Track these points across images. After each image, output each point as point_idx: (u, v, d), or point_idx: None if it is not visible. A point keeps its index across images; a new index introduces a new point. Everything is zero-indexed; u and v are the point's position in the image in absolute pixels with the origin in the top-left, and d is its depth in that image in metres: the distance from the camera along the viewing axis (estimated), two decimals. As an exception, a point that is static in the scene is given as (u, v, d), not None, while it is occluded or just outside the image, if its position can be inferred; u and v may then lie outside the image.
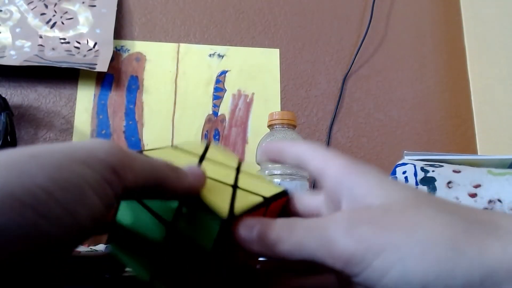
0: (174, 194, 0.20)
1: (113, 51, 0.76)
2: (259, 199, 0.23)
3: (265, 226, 0.20)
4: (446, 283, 0.15)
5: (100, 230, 0.21)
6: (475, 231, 0.16)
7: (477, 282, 0.15)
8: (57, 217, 0.14)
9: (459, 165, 0.47)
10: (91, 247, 0.51)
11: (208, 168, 0.23)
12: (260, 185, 0.25)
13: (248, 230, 0.20)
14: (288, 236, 0.19)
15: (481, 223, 0.17)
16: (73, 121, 0.74)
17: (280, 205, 0.26)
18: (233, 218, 0.20)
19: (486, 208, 0.41)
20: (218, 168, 0.25)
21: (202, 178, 0.21)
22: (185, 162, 0.22)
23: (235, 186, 0.23)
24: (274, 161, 0.26)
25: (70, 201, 0.15)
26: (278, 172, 0.56)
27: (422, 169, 0.47)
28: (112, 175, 0.17)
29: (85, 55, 0.74)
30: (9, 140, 0.60)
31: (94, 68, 0.71)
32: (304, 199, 0.26)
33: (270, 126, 0.61)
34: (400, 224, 0.17)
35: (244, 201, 0.22)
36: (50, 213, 0.14)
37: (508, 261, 0.15)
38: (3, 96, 0.63)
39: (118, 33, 0.79)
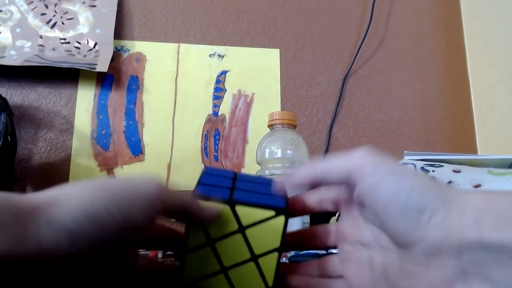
0: (195, 219, 0.26)
1: (113, 51, 0.76)
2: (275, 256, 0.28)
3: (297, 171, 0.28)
4: (419, 198, 0.23)
5: (143, 234, 0.28)
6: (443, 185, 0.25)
7: (439, 204, 0.22)
8: (112, 227, 0.22)
9: (459, 165, 0.47)
10: None
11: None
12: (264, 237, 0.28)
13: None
14: (317, 167, 0.27)
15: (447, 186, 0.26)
16: (73, 121, 0.74)
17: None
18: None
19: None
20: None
21: (216, 214, 0.26)
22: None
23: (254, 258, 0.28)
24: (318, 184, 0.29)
25: (122, 216, 0.22)
26: (279, 172, 0.56)
27: (422, 169, 0.47)
28: (149, 205, 0.23)
29: (85, 55, 0.74)
30: (9, 140, 0.60)
31: (94, 68, 0.71)
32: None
33: (270, 126, 0.61)
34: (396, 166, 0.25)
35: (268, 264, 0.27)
36: (108, 223, 0.21)
37: (461, 197, 0.23)
38: (3, 96, 0.63)
39: (118, 33, 0.79)
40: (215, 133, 0.78)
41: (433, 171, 0.46)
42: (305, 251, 0.49)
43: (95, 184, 0.23)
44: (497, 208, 0.21)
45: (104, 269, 0.25)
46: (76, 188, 0.22)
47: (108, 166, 0.73)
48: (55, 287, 0.22)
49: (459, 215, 0.22)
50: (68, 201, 0.21)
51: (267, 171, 0.57)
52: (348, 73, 0.84)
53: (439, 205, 0.22)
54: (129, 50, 0.79)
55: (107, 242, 0.22)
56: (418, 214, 0.22)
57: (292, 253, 0.51)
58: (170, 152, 0.76)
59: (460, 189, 0.24)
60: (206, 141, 0.77)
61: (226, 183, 0.29)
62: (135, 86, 0.78)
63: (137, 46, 0.79)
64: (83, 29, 0.76)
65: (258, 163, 0.60)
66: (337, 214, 0.59)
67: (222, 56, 0.81)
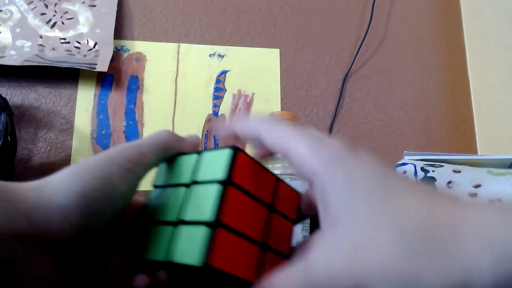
0: (179, 150, 0.28)
1: (113, 51, 0.76)
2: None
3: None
4: None
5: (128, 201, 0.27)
6: (429, 257, 0.17)
7: None
8: (99, 199, 0.23)
9: (459, 165, 0.47)
10: None
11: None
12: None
13: None
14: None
15: (439, 241, 0.17)
16: (73, 121, 0.74)
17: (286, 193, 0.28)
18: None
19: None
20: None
21: (197, 141, 0.29)
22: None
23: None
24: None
25: (106, 189, 0.23)
26: (278, 172, 0.56)
27: (422, 169, 0.47)
28: (130, 164, 0.25)
29: (85, 55, 0.74)
30: (9, 140, 0.60)
31: (94, 68, 0.71)
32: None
33: (270, 126, 0.61)
34: (370, 263, 0.18)
35: None
36: (96, 196, 0.23)
37: (466, 278, 0.16)
38: (3, 96, 0.63)
39: (118, 33, 0.79)
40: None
41: (433, 171, 0.46)
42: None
43: (80, 163, 0.24)
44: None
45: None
46: (65, 171, 0.24)
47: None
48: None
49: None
50: (56, 181, 0.23)
51: (267, 171, 0.57)
52: (348, 73, 0.84)
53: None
54: (129, 50, 0.79)
55: (97, 216, 0.23)
56: None
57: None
58: (170, 152, 0.76)
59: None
60: (206, 141, 0.77)
61: None
62: (135, 86, 0.78)
63: (137, 46, 0.79)
64: (83, 29, 0.76)
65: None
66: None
67: (222, 56, 0.81)
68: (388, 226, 0.18)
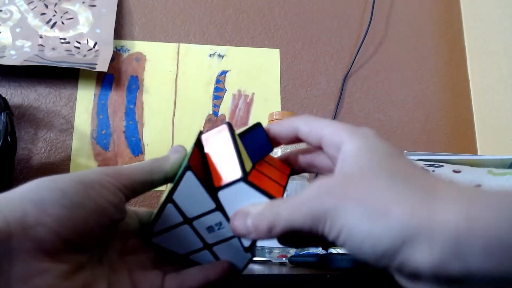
0: (165, 175, 0.26)
1: (113, 51, 0.76)
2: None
3: (256, 217, 0.24)
4: (374, 244, 0.19)
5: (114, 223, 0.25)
6: (409, 198, 0.19)
7: (398, 243, 0.18)
8: (80, 190, 0.22)
9: (459, 165, 0.47)
10: None
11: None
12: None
13: (242, 221, 0.24)
14: (279, 220, 0.23)
15: (419, 189, 0.20)
16: (73, 121, 0.74)
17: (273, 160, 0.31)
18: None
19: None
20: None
21: (181, 151, 0.28)
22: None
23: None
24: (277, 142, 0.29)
25: (83, 188, 0.22)
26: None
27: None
28: (118, 191, 0.24)
29: (85, 55, 0.74)
30: (9, 140, 0.60)
31: (94, 68, 0.71)
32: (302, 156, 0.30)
33: (270, 126, 0.61)
34: (352, 189, 0.21)
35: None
36: (70, 189, 0.22)
37: (428, 220, 0.18)
38: (3, 96, 0.63)
39: (118, 33, 0.79)
40: (215, 133, 0.77)
41: (433, 171, 0.46)
42: (305, 251, 0.49)
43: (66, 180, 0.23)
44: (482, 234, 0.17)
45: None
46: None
47: (108, 166, 0.73)
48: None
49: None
50: (28, 184, 0.22)
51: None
52: (348, 73, 0.84)
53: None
54: (129, 50, 0.79)
55: (79, 206, 0.21)
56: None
57: (292, 252, 0.51)
58: (170, 152, 0.76)
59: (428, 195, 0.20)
60: (206, 141, 0.77)
61: None
62: (135, 86, 0.78)
63: (137, 46, 0.79)
64: (83, 29, 0.76)
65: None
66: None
67: (222, 56, 0.81)
68: (380, 170, 0.21)
